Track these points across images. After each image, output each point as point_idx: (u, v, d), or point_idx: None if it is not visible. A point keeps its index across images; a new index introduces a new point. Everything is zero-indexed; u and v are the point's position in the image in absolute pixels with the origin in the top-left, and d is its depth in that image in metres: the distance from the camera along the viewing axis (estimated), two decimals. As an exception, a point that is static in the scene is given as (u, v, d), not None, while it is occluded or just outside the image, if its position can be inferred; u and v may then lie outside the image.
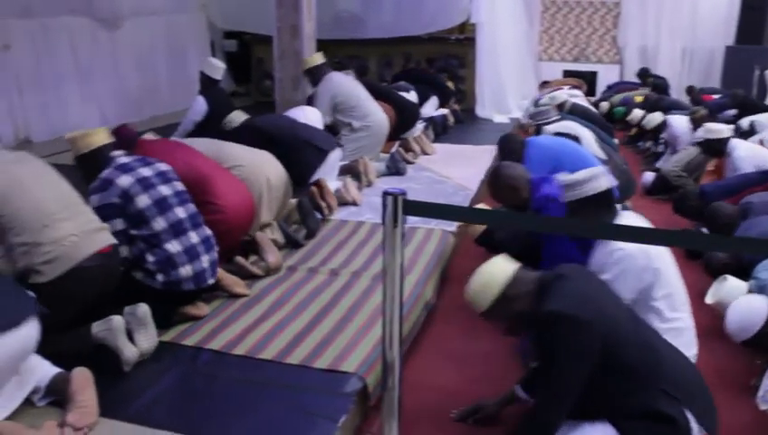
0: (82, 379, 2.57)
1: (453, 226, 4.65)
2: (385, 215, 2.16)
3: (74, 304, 2.87)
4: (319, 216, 4.66)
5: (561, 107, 6.54)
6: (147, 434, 2.50)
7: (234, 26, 10.54)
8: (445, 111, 8.27)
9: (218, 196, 3.72)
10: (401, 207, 2.15)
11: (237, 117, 4.97)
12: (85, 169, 3.31)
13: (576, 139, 5.04)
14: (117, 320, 2.86)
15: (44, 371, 2.61)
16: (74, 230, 2.86)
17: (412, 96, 7.21)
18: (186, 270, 3.22)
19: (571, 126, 5.41)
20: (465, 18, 9.25)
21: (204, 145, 4.15)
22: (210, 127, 5.36)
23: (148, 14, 9.27)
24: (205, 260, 3.33)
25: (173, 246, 3.20)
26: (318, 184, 4.87)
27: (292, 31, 6.11)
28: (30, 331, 2.43)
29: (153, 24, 9.44)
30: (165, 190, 3.30)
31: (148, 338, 2.97)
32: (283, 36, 6.17)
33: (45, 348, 2.59)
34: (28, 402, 2.57)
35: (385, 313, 2.33)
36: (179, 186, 3.42)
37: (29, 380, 2.56)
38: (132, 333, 2.92)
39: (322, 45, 6.59)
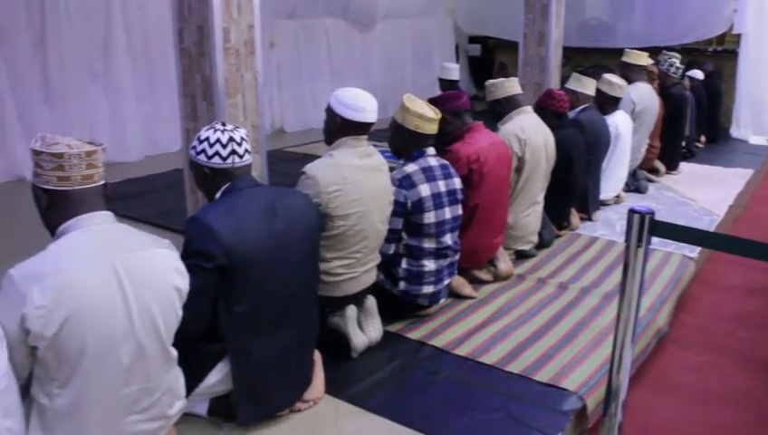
0: (314, 359, 2.74)
1: (695, 251, 4.34)
2: (630, 233, 2.06)
3: None
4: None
5: None
6: (363, 416, 2.61)
7: (479, 31, 10.71)
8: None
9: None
10: (648, 227, 2.04)
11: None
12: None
13: None
14: (351, 309, 3.01)
15: None
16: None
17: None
18: (428, 288, 3.30)
19: None
20: (727, 28, 8.59)
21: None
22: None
23: (398, 17, 9.69)
24: (445, 283, 3.40)
25: (429, 265, 3.29)
26: None
27: (538, 37, 6.05)
28: None
29: (402, 27, 9.87)
30: (447, 213, 3.31)
31: (375, 328, 3.11)
32: (529, 42, 6.13)
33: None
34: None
35: (617, 334, 2.23)
36: (459, 209, 3.43)
37: None
38: (361, 323, 3.07)
39: (566, 52, 6.47)
